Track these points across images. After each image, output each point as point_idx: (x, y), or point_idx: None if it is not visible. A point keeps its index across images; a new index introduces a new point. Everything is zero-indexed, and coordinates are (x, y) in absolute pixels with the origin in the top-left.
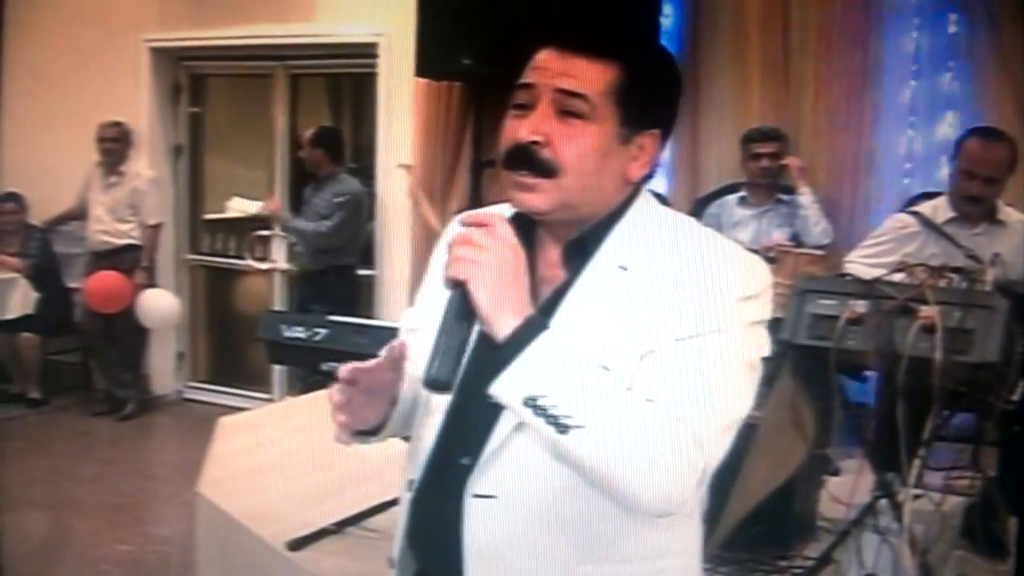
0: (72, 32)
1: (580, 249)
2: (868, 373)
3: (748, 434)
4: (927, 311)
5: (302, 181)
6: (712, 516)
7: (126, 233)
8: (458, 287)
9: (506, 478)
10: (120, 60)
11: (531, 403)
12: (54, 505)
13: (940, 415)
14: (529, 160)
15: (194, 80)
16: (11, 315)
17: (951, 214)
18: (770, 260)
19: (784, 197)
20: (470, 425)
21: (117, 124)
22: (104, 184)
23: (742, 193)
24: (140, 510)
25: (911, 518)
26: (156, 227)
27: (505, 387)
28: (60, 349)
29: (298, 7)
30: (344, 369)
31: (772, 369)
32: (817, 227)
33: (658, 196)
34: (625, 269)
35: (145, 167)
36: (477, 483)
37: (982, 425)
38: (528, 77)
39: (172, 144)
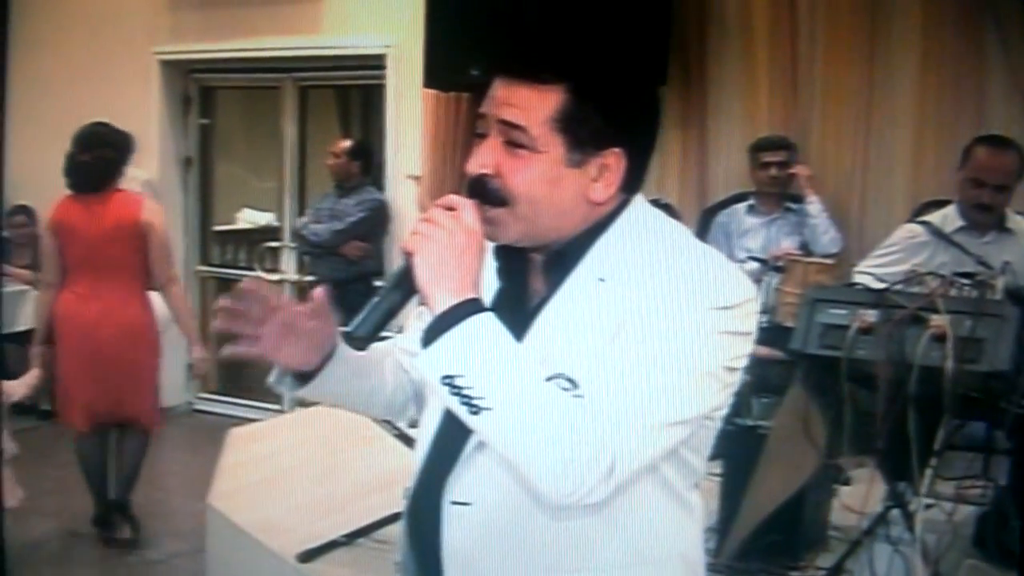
0: (83, 45)
1: (560, 262)
2: (880, 383)
3: (759, 444)
4: (938, 320)
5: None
6: (723, 527)
7: None
8: (408, 257)
9: (479, 485)
10: (130, 72)
11: (447, 381)
12: (65, 516)
13: (951, 424)
14: (482, 192)
15: (204, 92)
16: (23, 327)
17: (960, 223)
18: (779, 269)
19: (793, 206)
20: (455, 432)
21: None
22: None
23: (751, 202)
24: (150, 521)
25: (923, 528)
26: None
27: (427, 363)
28: None
29: (306, 19)
30: (247, 283)
31: (782, 378)
32: (826, 235)
33: (665, 207)
34: (603, 281)
35: (140, 171)
36: (453, 490)
37: (993, 434)
38: (482, 107)
39: (182, 156)
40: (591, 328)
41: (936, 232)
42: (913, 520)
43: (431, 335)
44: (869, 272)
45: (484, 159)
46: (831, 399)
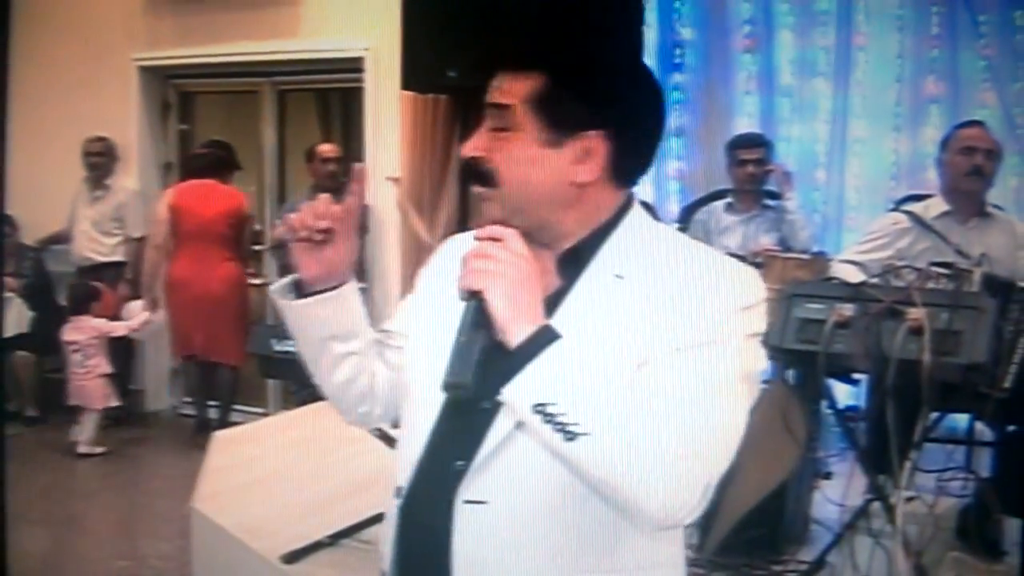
0: (61, 52)
1: (575, 259)
2: (858, 376)
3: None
4: (915, 313)
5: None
6: (705, 522)
7: (111, 248)
8: (474, 297)
9: (499, 484)
10: (109, 79)
11: (540, 410)
12: (51, 522)
13: (930, 417)
14: (476, 174)
15: (183, 97)
16: (6, 334)
17: (944, 208)
18: (758, 265)
19: (771, 203)
20: (465, 429)
21: (101, 139)
22: (90, 198)
23: (729, 199)
24: (137, 525)
25: (904, 520)
26: (141, 240)
27: (516, 393)
28: (55, 367)
29: (284, 23)
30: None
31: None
32: (804, 232)
33: (644, 205)
34: (621, 278)
35: (130, 182)
36: (469, 488)
37: (974, 427)
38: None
39: (162, 161)
40: (615, 326)
41: (917, 220)
42: (894, 513)
43: (514, 366)
44: (852, 260)
45: (475, 142)
46: (810, 393)
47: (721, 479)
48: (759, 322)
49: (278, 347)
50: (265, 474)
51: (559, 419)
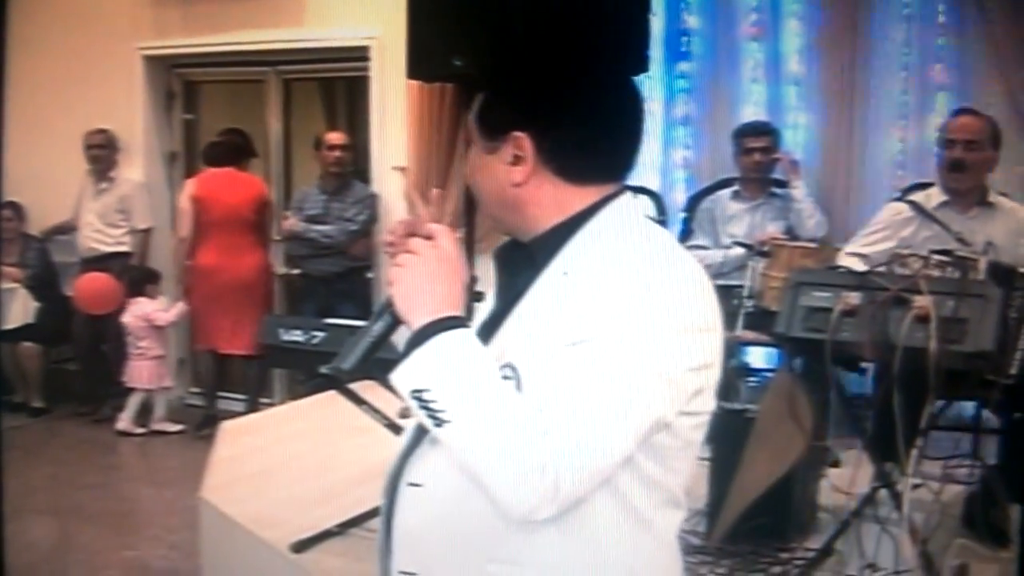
0: (66, 41)
1: (532, 259)
2: (865, 364)
3: (747, 427)
4: (921, 301)
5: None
6: (713, 510)
7: (116, 239)
8: (390, 288)
9: (433, 469)
10: (114, 68)
11: (416, 396)
12: (59, 513)
13: (936, 404)
14: None
15: (187, 87)
16: (11, 325)
17: (943, 198)
18: (764, 254)
19: (777, 191)
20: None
21: (102, 131)
22: (94, 190)
23: (735, 188)
24: (144, 516)
25: (911, 508)
26: (146, 231)
27: (398, 378)
28: (61, 358)
29: (288, 12)
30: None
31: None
32: (811, 220)
33: (651, 193)
34: (566, 275)
35: (135, 172)
36: (410, 472)
37: (980, 414)
38: None
39: (167, 151)
40: (547, 323)
41: (919, 209)
42: (901, 500)
43: (405, 352)
44: (857, 253)
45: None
46: (817, 381)
47: (729, 468)
48: (697, 318)
49: (285, 336)
50: (273, 464)
51: (431, 406)
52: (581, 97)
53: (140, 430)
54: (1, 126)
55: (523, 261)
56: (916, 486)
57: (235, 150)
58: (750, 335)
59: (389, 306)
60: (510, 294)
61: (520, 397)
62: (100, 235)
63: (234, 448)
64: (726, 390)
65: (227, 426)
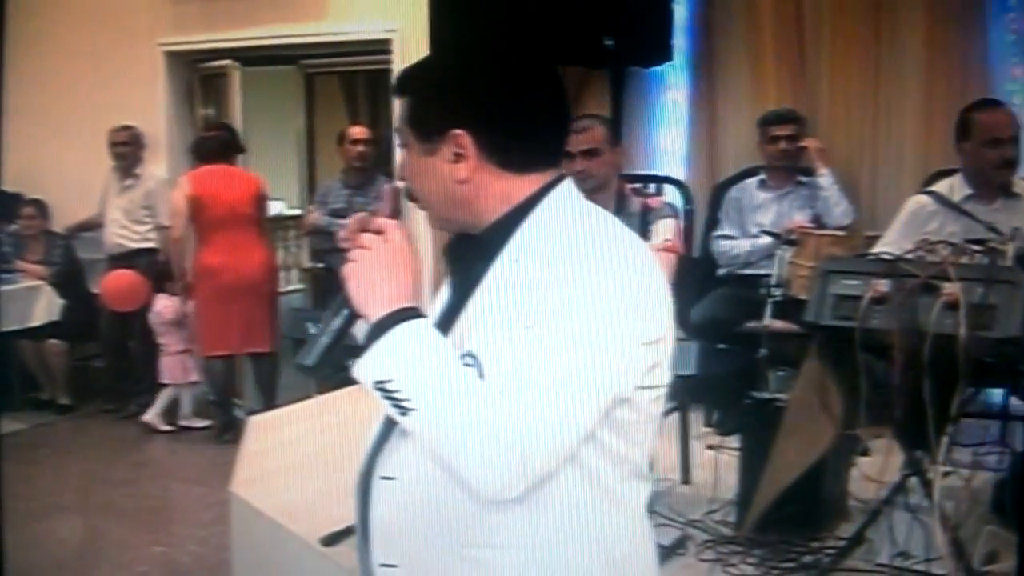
0: (87, 37)
1: (482, 249)
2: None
3: (777, 417)
4: (950, 288)
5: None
6: (743, 500)
7: (142, 235)
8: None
9: (405, 461)
10: (135, 64)
11: (379, 386)
12: (87, 510)
13: (966, 391)
14: (408, 194)
15: (209, 82)
16: (36, 322)
17: (968, 191)
18: (792, 242)
19: (804, 179)
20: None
21: (127, 128)
22: (120, 187)
23: (761, 176)
24: (173, 511)
25: (941, 495)
26: (172, 227)
27: (361, 370)
28: (86, 355)
29: (310, 6)
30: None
31: (797, 351)
32: (838, 207)
33: (677, 183)
34: (516, 261)
35: (160, 168)
36: (384, 465)
37: (1009, 400)
38: None
39: (189, 147)
40: (503, 309)
41: (944, 201)
42: (931, 488)
43: (365, 345)
44: (884, 252)
45: (400, 168)
46: (847, 370)
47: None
48: (646, 294)
49: (313, 330)
50: (302, 458)
51: (395, 395)
52: (513, 89)
53: (167, 427)
54: (0, 121)
55: (474, 254)
56: (946, 474)
57: (226, 146)
58: (779, 324)
59: (345, 301)
60: (464, 287)
61: (482, 382)
62: (126, 231)
63: (263, 443)
64: (756, 380)
65: (255, 421)
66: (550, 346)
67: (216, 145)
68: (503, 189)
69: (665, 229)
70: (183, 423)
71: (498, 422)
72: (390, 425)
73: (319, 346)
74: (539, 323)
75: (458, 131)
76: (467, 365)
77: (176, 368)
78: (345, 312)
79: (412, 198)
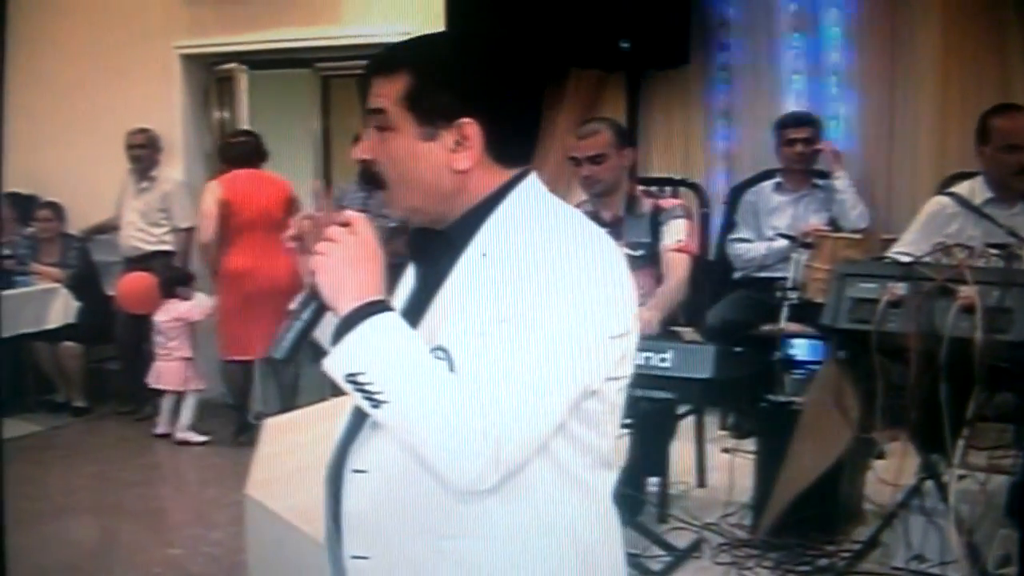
0: (103, 40)
1: (451, 241)
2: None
3: (793, 420)
4: (966, 291)
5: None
6: (759, 503)
7: (158, 238)
8: (313, 276)
9: (376, 454)
10: (152, 67)
11: (351, 379)
12: (101, 511)
13: (982, 395)
14: (368, 176)
15: (225, 85)
16: (52, 324)
17: (989, 194)
18: (808, 245)
19: (820, 182)
20: (359, 408)
21: (144, 131)
22: (136, 190)
23: (777, 179)
24: (187, 513)
25: (957, 498)
26: (188, 230)
27: (332, 364)
28: (102, 357)
29: (325, 9)
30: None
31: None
32: (854, 211)
33: (692, 185)
34: (485, 256)
35: (177, 172)
36: (355, 459)
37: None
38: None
39: (206, 150)
40: (472, 303)
41: (964, 203)
42: (947, 491)
43: (336, 338)
44: (903, 253)
45: (364, 147)
46: (863, 373)
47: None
48: (610, 288)
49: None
50: (317, 460)
51: (367, 388)
52: (523, 83)
53: (201, 438)
54: (1, 123)
55: (440, 246)
56: (962, 477)
57: (254, 151)
58: (795, 327)
59: (314, 294)
60: (430, 279)
61: (453, 375)
62: (143, 234)
63: (278, 444)
64: (771, 383)
65: (271, 423)
66: (523, 340)
67: (243, 150)
68: (487, 182)
69: (677, 229)
70: (180, 436)
71: (472, 414)
72: (360, 418)
73: (288, 338)
74: (512, 317)
75: (468, 119)
76: (438, 359)
77: (176, 375)
78: (313, 305)
79: (376, 182)
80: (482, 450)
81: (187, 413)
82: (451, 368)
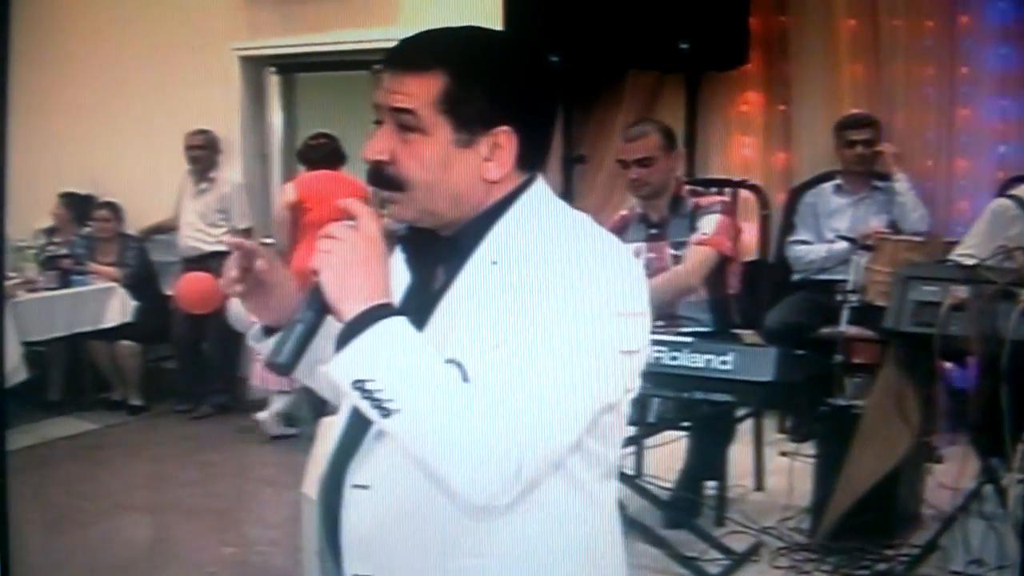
0: (163, 42)
1: (457, 247)
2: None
3: (853, 424)
4: None
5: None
6: (818, 506)
7: (217, 238)
8: (316, 276)
9: (380, 469)
10: (210, 68)
11: (359, 386)
12: (158, 510)
13: None
14: (380, 177)
15: (284, 87)
16: (109, 323)
17: None
18: (868, 248)
19: (880, 184)
20: (359, 420)
21: (203, 132)
22: (195, 191)
23: (837, 181)
24: (243, 512)
25: (1016, 503)
26: (247, 231)
27: (337, 369)
28: (159, 356)
29: (381, 11)
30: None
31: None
32: (914, 213)
33: (753, 187)
34: (495, 264)
35: (235, 173)
36: (356, 474)
37: None
38: (376, 96)
39: (264, 151)
40: (485, 314)
41: None
42: (1006, 496)
43: (341, 342)
44: (966, 255)
45: (379, 146)
46: (924, 376)
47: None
48: (630, 301)
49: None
50: None
51: (376, 395)
52: (552, 90)
53: (291, 431)
54: (4, 124)
55: (443, 250)
56: (1021, 481)
57: (333, 153)
58: (855, 330)
59: (317, 295)
60: (431, 284)
61: (468, 385)
62: (201, 235)
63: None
64: (831, 386)
65: (327, 421)
66: (544, 353)
67: (323, 152)
68: (503, 187)
69: (707, 224)
70: (278, 431)
71: (493, 428)
72: (360, 430)
73: (290, 342)
74: (531, 330)
75: (505, 127)
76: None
77: (262, 374)
78: (316, 306)
79: (392, 184)
80: (503, 466)
81: (272, 409)
82: (464, 379)
